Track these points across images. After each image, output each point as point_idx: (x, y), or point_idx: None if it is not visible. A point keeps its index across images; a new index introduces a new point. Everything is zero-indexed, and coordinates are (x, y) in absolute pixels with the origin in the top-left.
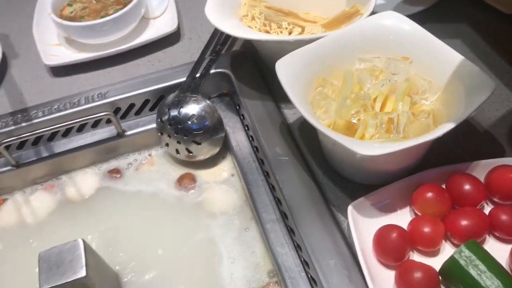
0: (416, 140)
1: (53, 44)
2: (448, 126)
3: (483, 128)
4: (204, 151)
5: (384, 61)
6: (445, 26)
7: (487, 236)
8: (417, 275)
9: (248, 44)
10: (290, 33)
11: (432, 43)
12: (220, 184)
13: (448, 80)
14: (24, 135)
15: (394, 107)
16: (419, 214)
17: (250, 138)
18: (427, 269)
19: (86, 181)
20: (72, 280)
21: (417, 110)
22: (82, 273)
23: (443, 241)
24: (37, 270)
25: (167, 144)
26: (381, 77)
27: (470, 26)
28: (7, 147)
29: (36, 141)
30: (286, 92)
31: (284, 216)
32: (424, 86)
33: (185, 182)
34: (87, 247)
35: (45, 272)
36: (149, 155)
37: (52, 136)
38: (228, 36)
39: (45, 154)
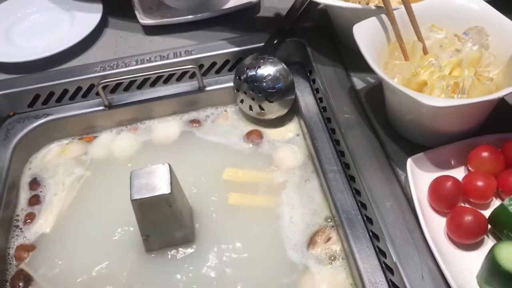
0: (478, 99)
1: (147, 7)
2: (509, 90)
3: None
4: (274, 109)
5: (464, 32)
6: None
7: None
8: (468, 218)
9: (323, 17)
10: (367, 4)
11: (500, 21)
12: (285, 141)
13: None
14: (118, 78)
15: (460, 74)
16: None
17: (319, 101)
18: (477, 214)
19: (167, 127)
20: (159, 195)
21: (482, 77)
22: (168, 190)
23: (494, 198)
24: (121, 191)
25: (241, 101)
26: (451, 48)
27: None
28: (103, 88)
29: (127, 87)
30: (360, 50)
31: (345, 166)
32: (488, 59)
33: (252, 137)
34: (172, 171)
35: (136, 186)
36: (225, 110)
37: (141, 85)
38: (304, 10)
39: (133, 100)
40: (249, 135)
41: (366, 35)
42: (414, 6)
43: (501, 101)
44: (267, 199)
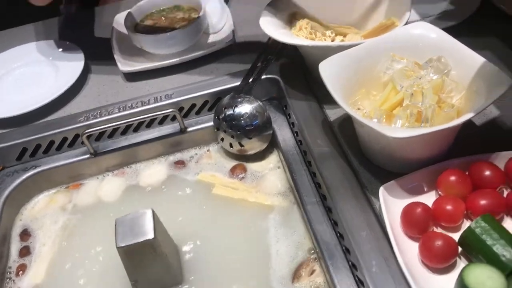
0: (438, 127)
1: (127, 54)
2: (468, 116)
3: (507, 125)
4: (254, 145)
5: (426, 62)
6: (476, 40)
7: (505, 216)
8: (438, 243)
9: (295, 53)
10: (332, 41)
11: (457, 48)
12: (267, 174)
13: (471, 80)
14: (102, 127)
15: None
16: (443, 195)
17: (295, 134)
18: (447, 238)
19: (153, 169)
20: (143, 240)
21: (444, 104)
22: (151, 235)
23: (464, 219)
24: (107, 237)
25: (222, 139)
26: (414, 76)
27: (499, 39)
28: (88, 137)
29: (111, 134)
30: (326, 86)
31: (323, 198)
32: (450, 86)
33: (237, 171)
34: (155, 216)
35: (120, 233)
36: (208, 150)
37: (125, 131)
38: (277, 48)
39: (118, 146)
40: (233, 170)
41: (332, 71)
42: (377, 38)
43: (468, 122)
44: (253, 232)
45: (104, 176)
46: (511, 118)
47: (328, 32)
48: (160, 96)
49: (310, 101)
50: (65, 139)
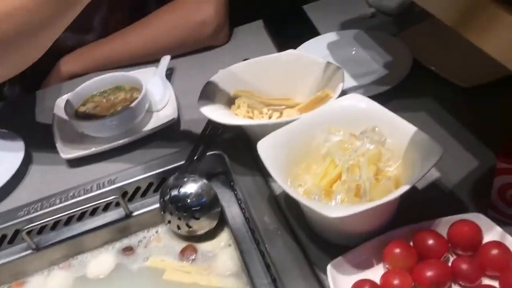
0: (375, 203)
1: (69, 140)
2: (404, 188)
3: (448, 188)
4: (202, 225)
5: (361, 133)
6: (411, 101)
7: (452, 284)
8: None
9: (238, 128)
10: (270, 117)
11: (388, 117)
12: (219, 253)
13: (405, 149)
14: (43, 221)
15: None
16: (390, 268)
17: (243, 211)
18: None
19: (100, 259)
20: None
21: (382, 176)
22: None
23: None
24: None
25: (169, 221)
26: (350, 148)
27: (434, 100)
28: (29, 233)
29: (54, 225)
30: (266, 167)
31: (273, 279)
32: (387, 155)
33: (187, 253)
34: None
35: None
36: (156, 232)
37: (68, 221)
38: (221, 124)
39: (62, 237)
40: (183, 252)
41: (271, 150)
42: (312, 113)
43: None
44: (200, 276)
45: (49, 270)
46: (451, 180)
47: (265, 110)
48: (103, 182)
49: (255, 176)
50: (4, 236)
